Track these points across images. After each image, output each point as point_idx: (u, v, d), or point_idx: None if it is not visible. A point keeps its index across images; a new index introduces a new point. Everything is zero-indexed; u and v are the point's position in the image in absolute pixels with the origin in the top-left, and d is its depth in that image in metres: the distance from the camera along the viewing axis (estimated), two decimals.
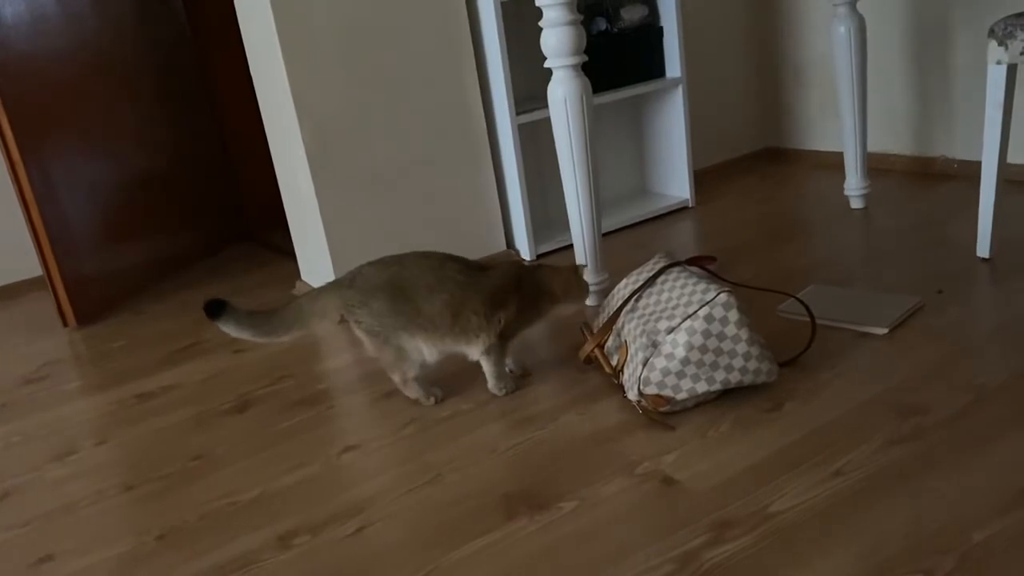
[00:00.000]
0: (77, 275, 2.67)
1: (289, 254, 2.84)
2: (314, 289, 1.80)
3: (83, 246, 2.72)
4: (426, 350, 1.73)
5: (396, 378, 1.79)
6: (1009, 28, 1.87)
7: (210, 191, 3.36)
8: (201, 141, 3.34)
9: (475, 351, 1.75)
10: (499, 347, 1.74)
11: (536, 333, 1.86)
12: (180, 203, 3.19)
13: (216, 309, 1.71)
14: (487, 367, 1.77)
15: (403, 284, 1.69)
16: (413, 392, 1.79)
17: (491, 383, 1.79)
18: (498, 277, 1.73)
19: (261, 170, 2.95)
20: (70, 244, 2.66)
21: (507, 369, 1.83)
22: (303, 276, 2.69)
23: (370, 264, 1.75)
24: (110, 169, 2.87)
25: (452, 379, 1.87)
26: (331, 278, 2.41)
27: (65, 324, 2.68)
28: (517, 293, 1.73)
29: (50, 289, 2.63)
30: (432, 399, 1.78)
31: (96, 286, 2.76)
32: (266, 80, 2.40)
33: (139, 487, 1.64)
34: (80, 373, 2.29)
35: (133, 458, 1.76)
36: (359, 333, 1.75)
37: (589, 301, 2.17)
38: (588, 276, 1.81)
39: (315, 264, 2.54)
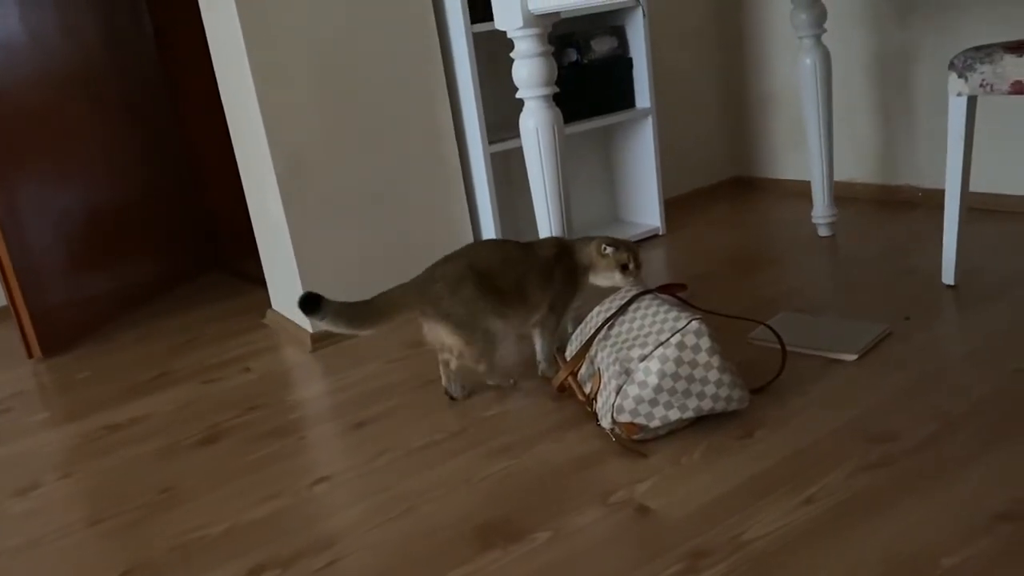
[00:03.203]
0: (43, 305, 2.63)
1: (260, 282, 2.82)
2: (399, 285, 1.84)
3: (49, 275, 2.69)
4: (508, 328, 1.83)
5: (483, 367, 1.84)
6: (969, 61, 1.92)
7: (180, 219, 3.34)
8: (171, 169, 3.32)
9: (533, 324, 1.89)
10: (553, 321, 1.88)
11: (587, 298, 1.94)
12: (149, 231, 3.16)
13: (312, 304, 1.73)
14: (539, 341, 1.91)
15: (481, 269, 1.79)
16: (497, 379, 1.88)
17: (543, 366, 1.93)
18: (544, 251, 1.88)
19: (232, 198, 2.94)
20: (36, 273, 2.63)
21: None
22: (274, 304, 2.67)
23: (443, 260, 1.83)
24: (78, 197, 2.84)
25: (428, 407, 1.86)
26: None
27: (30, 355, 2.63)
28: (559, 266, 1.86)
29: (15, 319, 2.59)
30: (512, 380, 1.89)
31: (62, 316, 2.72)
32: (237, 107, 2.40)
33: (106, 521, 1.60)
34: (45, 405, 2.25)
35: (99, 491, 1.73)
36: (445, 330, 1.78)
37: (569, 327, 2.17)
38: (610, 251, 1.88)
39: (286, 292, 2.52)
